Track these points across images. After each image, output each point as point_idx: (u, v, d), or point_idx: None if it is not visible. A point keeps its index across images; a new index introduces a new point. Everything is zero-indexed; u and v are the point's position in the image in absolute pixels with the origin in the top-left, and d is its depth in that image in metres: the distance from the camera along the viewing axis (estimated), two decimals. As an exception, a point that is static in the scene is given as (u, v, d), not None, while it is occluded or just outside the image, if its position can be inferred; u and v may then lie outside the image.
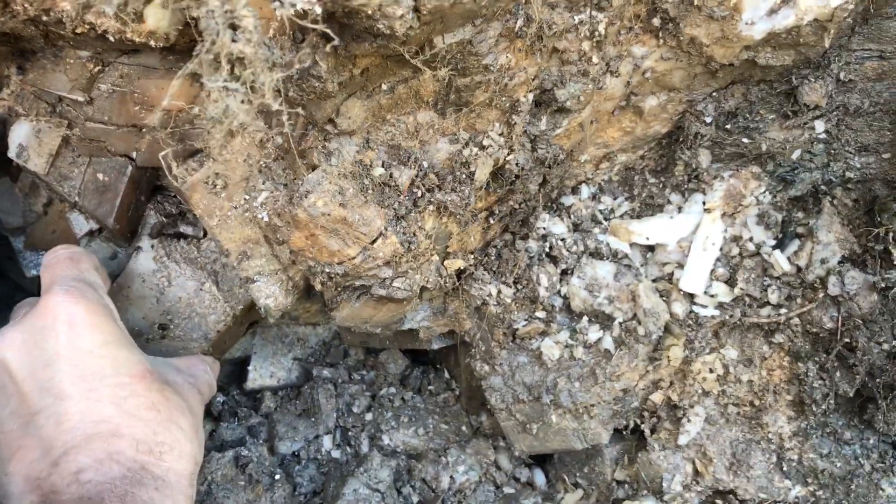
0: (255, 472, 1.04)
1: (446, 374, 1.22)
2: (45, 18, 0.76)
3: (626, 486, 1.06)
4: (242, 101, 0.58)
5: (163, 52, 0.90)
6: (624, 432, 1.07)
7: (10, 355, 0.78)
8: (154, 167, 1.01)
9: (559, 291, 1.01)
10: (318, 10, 0.61)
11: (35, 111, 1.00)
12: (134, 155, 0.98)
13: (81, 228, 1.07)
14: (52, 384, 0.76)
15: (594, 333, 1.01)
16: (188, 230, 1.02)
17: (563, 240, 1.02)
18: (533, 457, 1.15)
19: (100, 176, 0.99)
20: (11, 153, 1.00)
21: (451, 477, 1.08)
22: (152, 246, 1.00)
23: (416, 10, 0.65)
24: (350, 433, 1.14)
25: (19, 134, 0.99)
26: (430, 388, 1.20)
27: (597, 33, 0.81)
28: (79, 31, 0.76)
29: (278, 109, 0.61)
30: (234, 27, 0.56)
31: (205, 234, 1.04)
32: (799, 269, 0.97)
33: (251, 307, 1.03)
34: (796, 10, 0.80)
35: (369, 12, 0.63)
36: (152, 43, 0.76)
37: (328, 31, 0.59)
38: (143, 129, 0.96)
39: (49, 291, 0.82)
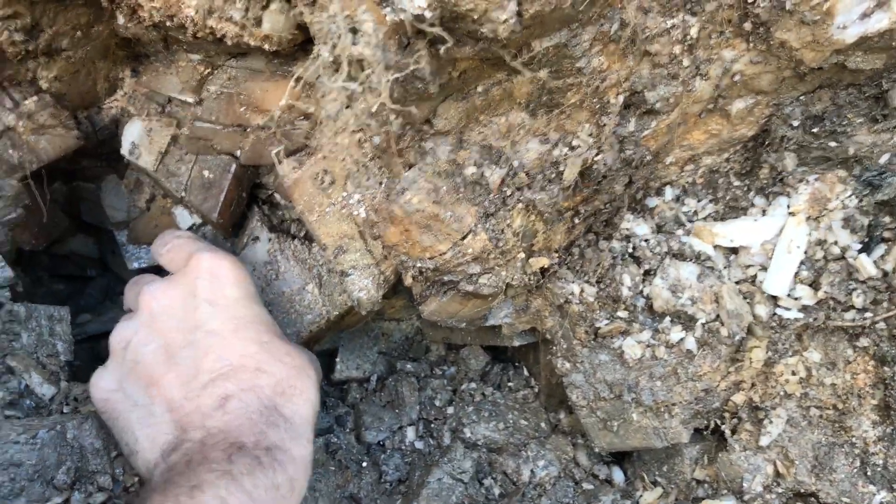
0: (343, 459, 1.08)
1: (525, 372, 1.24)
2: (168, 24, 0.82)
3: (706, 485, 1.07)
4: (359, 101, 0.62)
5: (268, 56, 0.96)
6: (704, 432, 1.08)
7: (156, 305, 0.88)
8: (255, 165, 1.06)
9: (642, 291, 1.03)
10: (429, 14, 0.65)
11: (146, 111, 1.07)
12: (238, 153, 1.04)
13: (185, 222, 1.13)
14: (201, 323, 0.84)
15: (676, 334, 1.02)
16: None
17: (646, 241, 1.04)
18: (611, 454, 1.16)
19: (205, 173, 1.05)
20: (124, 150, 1.07)
21: (532, 471, 1.10)
22: (269, 239, 1.06)
23: (518, 14, 0.68)
24: (433, 425, 1.17)
25: (132, 132, 1.05)
26: (509, 384, 1.22)
27: (688, 37, 0.83)
28: (199, 35, 0.81)
29: (389, 109, 0.65)
30: (354, 31, 0.61)
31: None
32: (885, 274, 0.97)
33: (345, 315, 1.07)
34: (890, 13, 0.80)
35: (475, 17, 0.67)
36: (266, 46, 0.81)
37: (444, 34, 0.62)
38: (248, 129, 1.02)
39: (194, 255, 0.91)
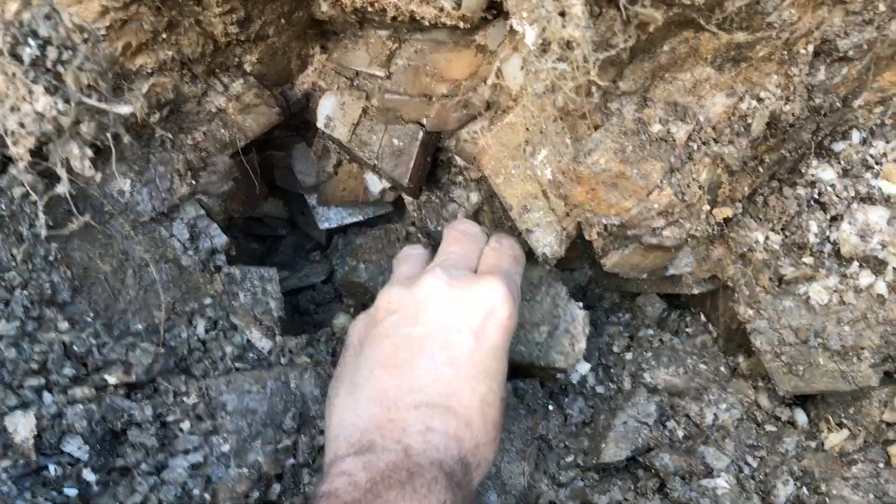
0: (531, 403, 1.15)
1: (702, 318, 1.26)
2: (369, 9, 0.88)
3: (897, 428, 1.07)
4: (567, 80, 0.66)
5: (451, 28, 1.00)
6: (895, 375, 1.07)
7: (435, 296, 0.88)
8: (438, 131, 1.12)
9: (828, 237, 1.03)
10: (628, -12, 0.68)
11: (336, 85, 1.14)
12: (424, 121, 1.10)
13: (376, 187, 1.21)
14: (454, 347, 0.84)
15: (866, 278, 1.01)
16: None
17: (832, 186, 1.03)
18: (794, 397, 1.17)
19: (395, 141, 1.12)
20: (320, 124, 1.15)
21: (715, 414, 1.13)
22: (550, 271, 1.14)
23: (716, -21, 0.70)
24: (612, 370, 1.22)
25: (326, 107, 1.13)
26: (687, 330, 1.25)
27: (886, -19, 0.81)
28: (398, 18, 0.87)
29: (593, 84, 0.68)
30: (563, 14, 0.64)
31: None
32: None
33: (543, 369, 1.14)
34: None
35: (674, -14, 0.69)
36: (461, 24, 0.86)
37: (649, 10, 0.65)
38: (433, 98, 1.07)
39: (494, 273, 0.91)
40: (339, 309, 1.37)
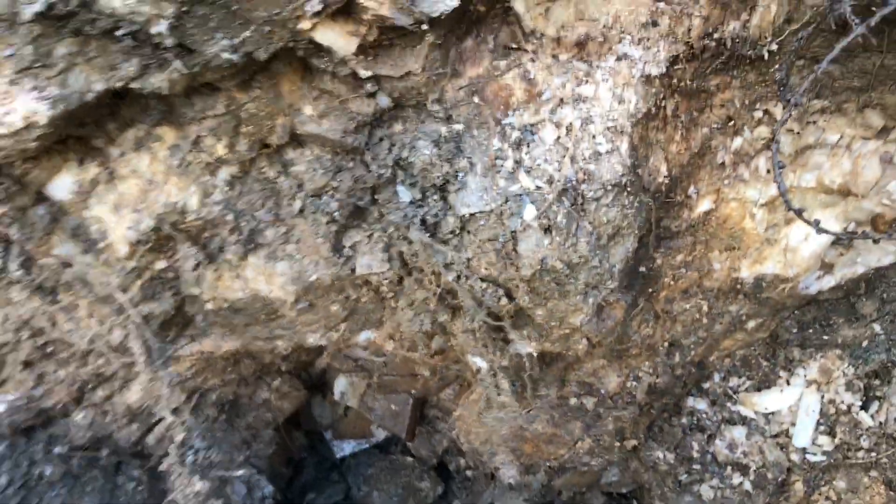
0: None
1: (635, 502, 1.67)
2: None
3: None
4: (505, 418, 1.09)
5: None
6: (770, 545, 1.47)
7: None
8: (425, 398, 1.55)
9: (708, 451, 1.45)
10: (535, 353, 1.12)
11: (345, 365, 1.57)
12: (413, 391, 1.52)
13: (381, 435, 1.62)
14: None
15: (737, 478, 1.43)
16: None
17: (706, 413, 1.46)
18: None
19: (392, 406, 1.53)
20: (336, 396, 1.57)
21: (649, 584, 1.52)
22: None
23: (589, 342, 1.14)
24: (571, 555, 1.61)
25: (340, 385, 1.56)
26: (625, 515, 1.65)
27: (703, 310, 1.26)
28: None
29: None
30: (497, 387, 1.08)
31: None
32: (881, 424, 1.36)
33: None
34: (835, 276, 1.22)
35: (561, 351, 1.13)
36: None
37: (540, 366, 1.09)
38: (418, 375, 1.50)
39: None
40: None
